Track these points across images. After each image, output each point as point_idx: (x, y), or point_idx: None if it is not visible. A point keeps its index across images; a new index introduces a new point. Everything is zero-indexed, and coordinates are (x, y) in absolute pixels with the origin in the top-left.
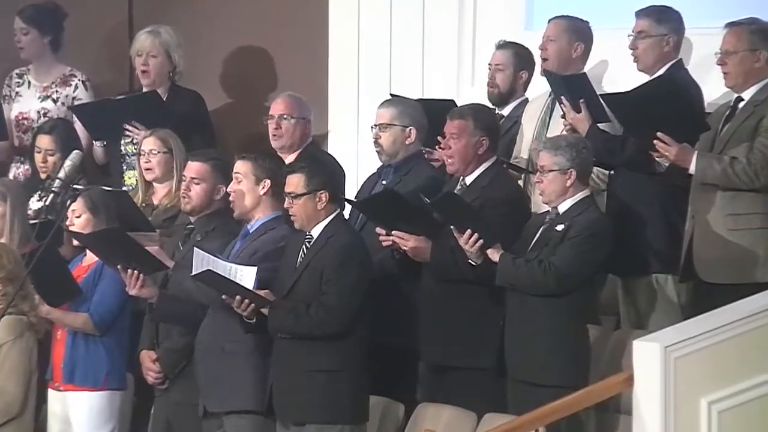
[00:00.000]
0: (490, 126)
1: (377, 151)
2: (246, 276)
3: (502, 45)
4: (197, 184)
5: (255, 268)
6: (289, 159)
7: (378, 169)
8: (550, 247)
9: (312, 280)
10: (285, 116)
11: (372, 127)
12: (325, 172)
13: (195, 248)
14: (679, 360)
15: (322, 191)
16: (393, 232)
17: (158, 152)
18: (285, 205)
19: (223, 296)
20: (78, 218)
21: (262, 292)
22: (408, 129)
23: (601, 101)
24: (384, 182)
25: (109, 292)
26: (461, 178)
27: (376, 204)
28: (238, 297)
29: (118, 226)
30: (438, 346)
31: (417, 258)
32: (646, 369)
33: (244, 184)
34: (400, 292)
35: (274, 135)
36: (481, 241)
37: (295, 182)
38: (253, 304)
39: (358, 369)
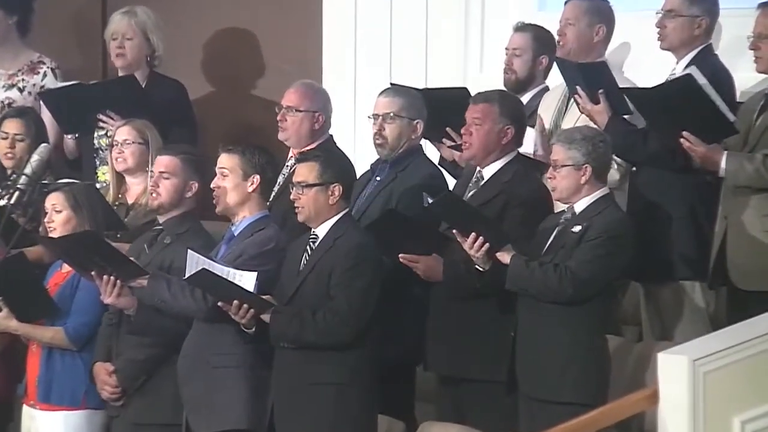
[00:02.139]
0: (516, 115)
1: (378, 144)
2: (245, 281)
3: (520, 27)
4: (166, 178)
5: (255, 274)
6: None
7: (372, 165)
8: (566, 250)
9: (318, 284)
10: (291, 108)
11: (373, 117)
12: (340, 165)
13: (189, 251)
14: (709, 375)
15: (335, 184)
16: (400, 255)
17: (133, 143)
18: (292, 197)
19: (219, 302)
20: (58, 213)
21: (265, 297)
22: (416, 122)
23: (622, 93)
24: (378, 178)
25: (86, 302)
26: (477, 170)
27: (378, 227)
28: (236, 302)
29: (91, 229)
30: (445, 356)
31: (430, 279)
32: (673, 385)
33: (230, 179)
34: (401, 297)
35: (280, 126)
36: (487, 244)
37: (306, 172)
38: (252, 310)
39: (367, 383)
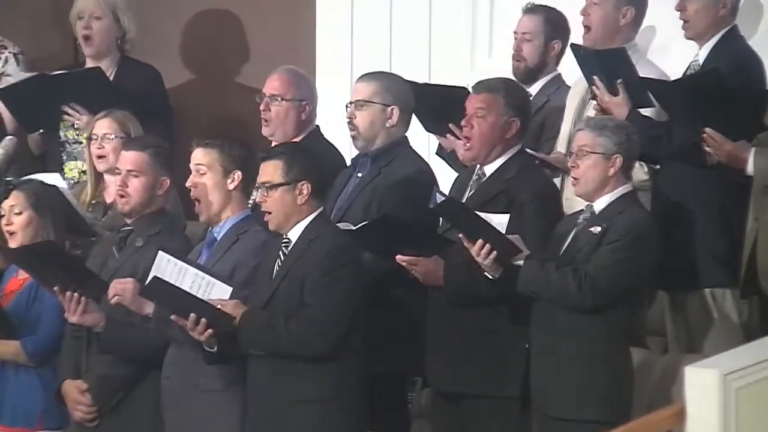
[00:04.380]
0: (522, 106)
1: (351, 135)
2: (216, 293)
3: (531, 9)
4: (136, 177)
5: (230, 289)
6: None
7: (353, 159)
8: (584, 253)
9: (292, 292)
10: (276, 97)
11: (347, 106)
12: (308, 160)
13: (160, 251)
14: (741, 391)
15: (303, 182)
16: (398, 257)
17: (114, 137)
18: (258, 199)
19: (172, 317)
20: (18, 215)
21: (230, 303)
22: (390, 109)
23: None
24: (360, 174)
25: (46, 314)
26: (477, 167)
27: (371, 231)
28: (192, 316)
29: (52, 238)
30: (448, 370)
31: (429, 283)
32: (701, 401)
33: (209, 177)
34: (393, 304)
35: (263, 119)
36: (495, 253)
37: (270, 170)
38: (211, 330)
39: (351, 399)
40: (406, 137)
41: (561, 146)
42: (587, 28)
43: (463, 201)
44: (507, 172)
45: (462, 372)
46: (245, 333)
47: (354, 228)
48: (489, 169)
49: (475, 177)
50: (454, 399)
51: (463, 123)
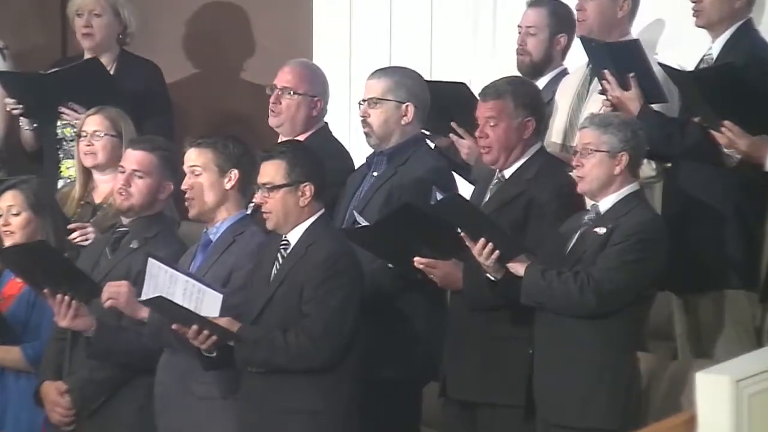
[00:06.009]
0: (534, 103)
1: (365, 133)
2: (208, 301)
3: (535, 2)
4: (141, 178)
5: (221, 296)
6: None
7: (368, 158)
8: (589, 254)
9: (289, 300)
10: (288, 90)
11: (359, 103)
12: (311, 160)
13: (150, 258)
14: (755, 397)
15: (305, 183)
16: (416, 259)
17: (104, 134)
18: (257, 200)
19: (173, 326)
20: (15, 216)
21: (223, 320)
22: (405, 105)
23: (657, 77)
24: (375, 174)
25: (48, 318)
26: (497, 171)
27: (390, 225)
28: (194, 327)
29: (47, 238)
30: (461, 377)
31: (448, 287)
32: (713, 408)
33: (205, 177)
34: (397, 311)
35: (272, 111)
36: (497, 252)
37: (272, 171)
38: (213, 336)
39: (345, 408)
40: (422, 135)
41: (555, 136)
42: (582, 22)
43: (482, 205)
44: (526, 173)
45: (472, 379)
46: (240, 351)
47: (370, 223)
48: (508, 171)
49: (495, 181)
50: (466, 407)
51: (477, 134)
